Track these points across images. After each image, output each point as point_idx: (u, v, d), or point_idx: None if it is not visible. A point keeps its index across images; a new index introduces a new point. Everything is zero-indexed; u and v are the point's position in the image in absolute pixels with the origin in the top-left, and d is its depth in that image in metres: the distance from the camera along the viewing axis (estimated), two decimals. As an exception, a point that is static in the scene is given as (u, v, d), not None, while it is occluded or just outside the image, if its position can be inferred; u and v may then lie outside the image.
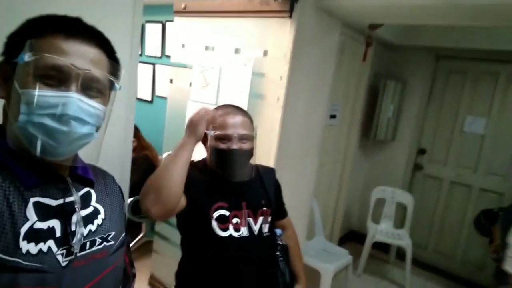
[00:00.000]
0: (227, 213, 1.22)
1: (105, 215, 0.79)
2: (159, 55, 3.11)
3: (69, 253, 0.68)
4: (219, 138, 1.21)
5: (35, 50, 0.63)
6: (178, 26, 2.27)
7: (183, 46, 2.22)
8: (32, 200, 0.66)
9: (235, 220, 1.23)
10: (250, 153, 1.26)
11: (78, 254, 0.70)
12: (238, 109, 1.30)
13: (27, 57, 0.63)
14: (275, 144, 1.86)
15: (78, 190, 0.75)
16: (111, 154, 1.17)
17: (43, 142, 0.63)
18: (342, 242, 3.38)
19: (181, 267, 1.31)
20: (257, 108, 1.90)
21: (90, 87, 0.67)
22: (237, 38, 1.97)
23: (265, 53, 1.87)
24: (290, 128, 1.93)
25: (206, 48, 2.08)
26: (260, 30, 1.88)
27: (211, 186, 1.25)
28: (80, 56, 0.66)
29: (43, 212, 0.67)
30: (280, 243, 1.35)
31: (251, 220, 1.26)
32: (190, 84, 2.15)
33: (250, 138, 1.25)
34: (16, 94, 0.63)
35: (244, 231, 1.23)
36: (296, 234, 1.48)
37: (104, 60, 0.71)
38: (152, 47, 3.16)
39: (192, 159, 1.17)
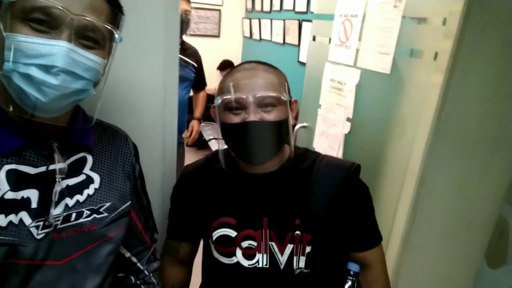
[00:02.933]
0: (233, 233, 0.87)
1: (100, 184, 0.72)
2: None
3: (48, 225, 0.64)
4: (230, 108, 0.81)
5: None
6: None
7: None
8: (5, 168, 0.61)
9: (246, 243, 0.87)
10: (278, 126, 0.81)
11: (59, 226, 0.65)
12: (259, 64, 0.86)
13: None
14: (427, 126, 1.23)
15: (70, 156, 0.69)
16: (149, 122, 1.01)
17: (30, 95, 0.56)
18: None
19: None
20: (404, 71, 1.30)
21: (86, 37, 0.60)
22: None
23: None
24: (460, 103, 1.23)
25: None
26: None
27: (218, 193, 0.90)
28: (75, 0, 0.57)
29: (18, 181, 0.62)
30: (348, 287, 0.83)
31: (274, 245, 0.85)
32: (330, 40, 1.71)
33: (278, 103, 0.81)
34: (1, 38, 0.57)
35: (261, 259, 0.84)
36: (387, 276, 0.92)
37: (104, 7, 0.62)
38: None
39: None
